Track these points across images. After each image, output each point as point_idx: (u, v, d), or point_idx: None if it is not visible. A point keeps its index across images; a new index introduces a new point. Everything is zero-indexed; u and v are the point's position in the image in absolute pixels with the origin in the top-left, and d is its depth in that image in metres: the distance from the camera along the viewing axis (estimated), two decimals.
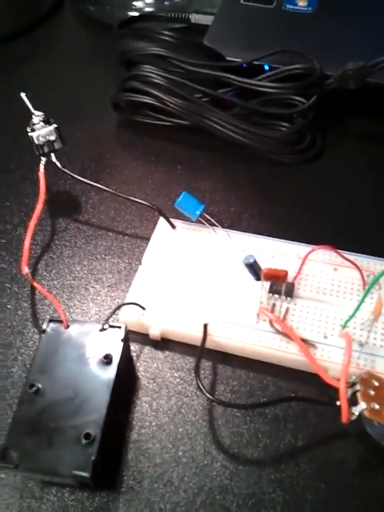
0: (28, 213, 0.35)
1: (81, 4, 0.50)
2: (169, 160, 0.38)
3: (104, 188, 0.33)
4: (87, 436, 0.24)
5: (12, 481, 0.25)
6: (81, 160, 0.38)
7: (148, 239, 0.33)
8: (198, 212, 0.31)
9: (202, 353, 0.27)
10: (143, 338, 0.29)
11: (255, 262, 0.27)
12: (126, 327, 0.27)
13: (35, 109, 0.33)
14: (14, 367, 0.29)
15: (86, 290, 0.32)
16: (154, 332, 0.29)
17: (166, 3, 0.47)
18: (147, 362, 0.29)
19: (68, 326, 0.27)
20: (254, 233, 0.32)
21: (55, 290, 0.31)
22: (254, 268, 0.27)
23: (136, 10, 0.47)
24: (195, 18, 0.43)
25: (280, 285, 0.28)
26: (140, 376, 0.28)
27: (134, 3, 0.48)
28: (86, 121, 0.40)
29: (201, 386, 0.26)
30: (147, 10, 0.47)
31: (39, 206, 0.32)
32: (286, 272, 0.27)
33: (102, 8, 0.49)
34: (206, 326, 0.28)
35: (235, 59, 0.38)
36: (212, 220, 0.32)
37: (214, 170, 0.37)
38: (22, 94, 0.33)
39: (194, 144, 0.38)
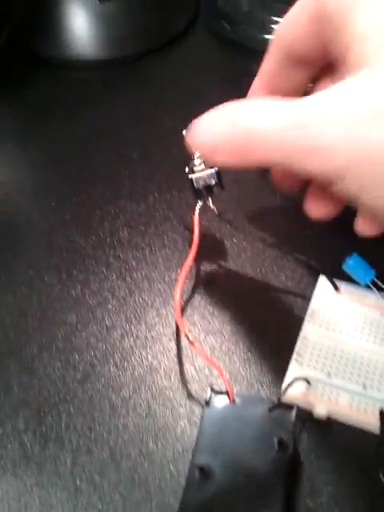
0: (170, 255, 0.33)
1: (215, 22, 0.48)
2: None
3: (265, 239, 0.30)
4: None
5: None
6: (221, 200, 0.35)
7: (302, 296, 0.30)
8: (369, 278, 0.29)
9: (382, 446, 0.25)
10: (305, 414, 0.27)
11: None
12: (297, 409, 0.25)
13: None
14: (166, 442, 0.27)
15: (236, 352, 0.29)
16: (321, 411, 0.26)
17: None
18: (311, 443, 0.26)
19: (234, 401, 0.25)
20: None
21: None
22: None
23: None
24: None
25: None
26: (303, 459, 0.26)
27: (274, 26, 0.45)
28: None
29: None
30: None
31: (191, 256, 0.30)
32: None
33: (238, 27, 0.47)
34: (382, 412, 0.25)
35: None
36: (382, 285, 0.29)
37: None
38: (184, 132, 0.30)
39: None
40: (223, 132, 0.23)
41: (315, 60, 0.25)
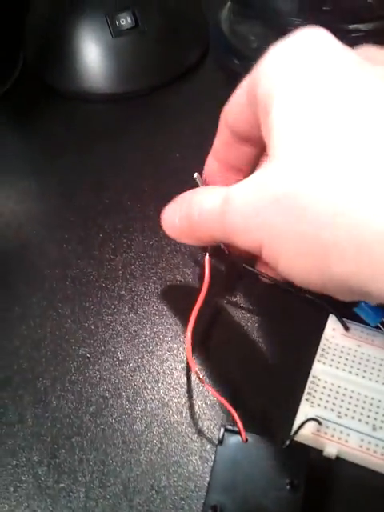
0: (180, 288, 0.34)
1: (225, 57, 0.49)
2: None
3: (276, 280, 0.31)
4: None
5: None
6: None
7: (312, 335, 0.31)
8: (379, 319, 0.29)
9: None
10: (315, 453, 0.27)
11: None
12: (308, 451, 0.25)
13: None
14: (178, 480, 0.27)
15: (248, 390, 0.30)
16: (331, 451, 0.27)
17: None
18: (320, 483, 0.27)
19: (247, 440, 0.25)
20: None
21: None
22: None
23: None
24: None
25: None
26: (313, 499, 0.26)
27: None
28: None
29: None
30: None
31: (201, 299, 0.30)
32: None
33: (247, 63, 0.48)
34: None
35: None
36: None
37: None
38: (195, 175, 0.31)
39: None
40: (182, 216, 0.28)
41: (256, 139, 0.26)
